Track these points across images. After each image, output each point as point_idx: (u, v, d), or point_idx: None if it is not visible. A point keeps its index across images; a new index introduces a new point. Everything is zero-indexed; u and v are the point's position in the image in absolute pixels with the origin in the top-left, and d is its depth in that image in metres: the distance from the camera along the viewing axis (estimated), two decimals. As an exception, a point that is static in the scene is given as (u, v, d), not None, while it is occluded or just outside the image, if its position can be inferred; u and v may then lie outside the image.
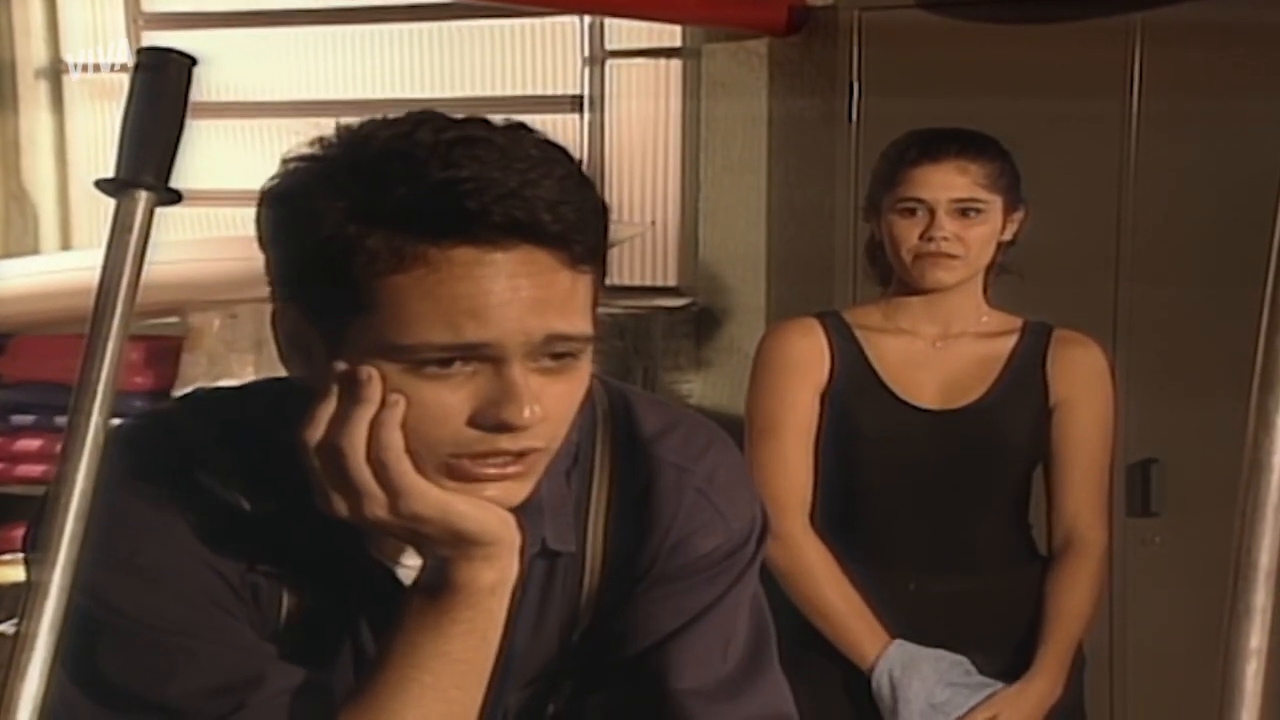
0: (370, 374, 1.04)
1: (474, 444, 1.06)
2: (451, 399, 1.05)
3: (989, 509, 2.36)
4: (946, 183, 2.27)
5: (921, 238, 2.27)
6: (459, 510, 1.07)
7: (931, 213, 2.26)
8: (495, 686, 1.15)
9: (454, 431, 1.05)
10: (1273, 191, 0.84)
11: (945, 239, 2.26)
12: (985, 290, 2.38)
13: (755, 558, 1.26)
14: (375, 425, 1.04)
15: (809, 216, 3.75)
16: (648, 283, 4.11)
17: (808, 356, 2.35)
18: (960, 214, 2.27)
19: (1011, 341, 2.37)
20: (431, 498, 1.06)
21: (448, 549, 1.09)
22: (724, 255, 3.94)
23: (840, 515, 2.37)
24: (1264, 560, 0.76)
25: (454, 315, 1.02)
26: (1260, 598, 0.76)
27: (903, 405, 2.32)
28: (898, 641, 2.29)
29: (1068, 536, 2.37)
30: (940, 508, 2.33)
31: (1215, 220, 3.26)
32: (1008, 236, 2.34)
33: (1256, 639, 0.75)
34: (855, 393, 2.33)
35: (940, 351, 2.36)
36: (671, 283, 4.11)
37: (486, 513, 1.08)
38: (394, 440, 1.04)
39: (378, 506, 1.06)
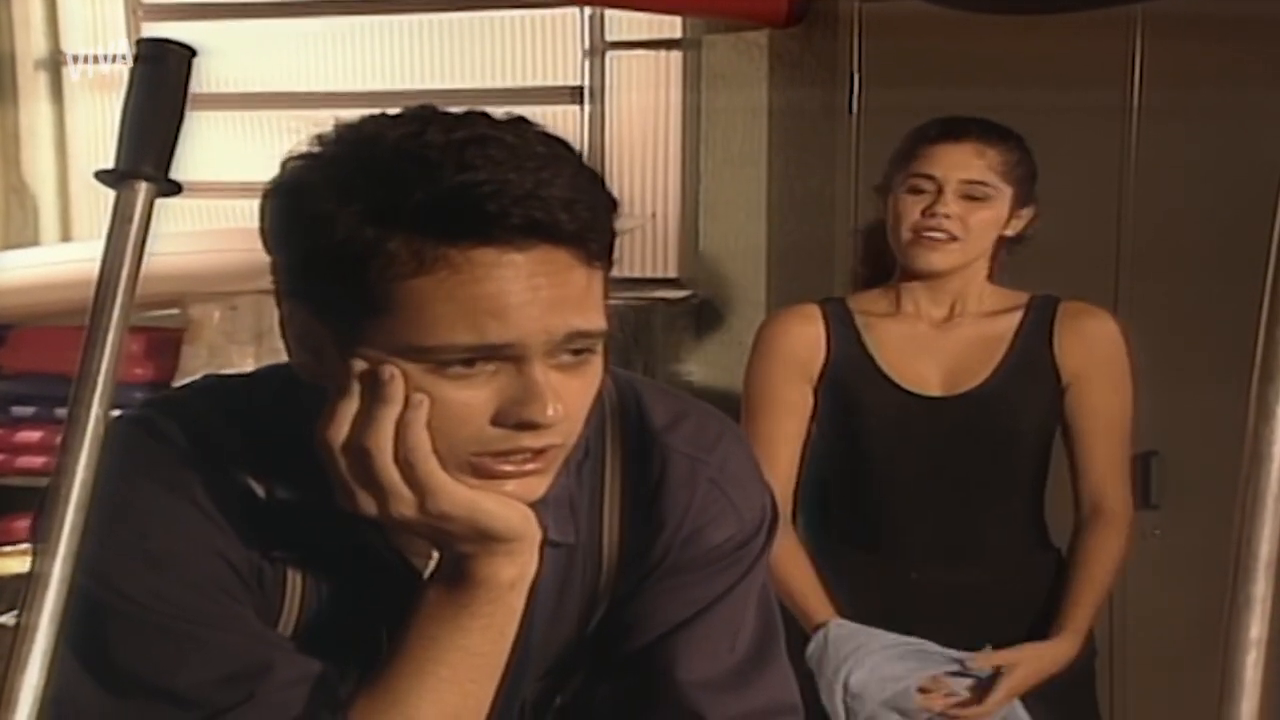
0: (393, 374, 1.04)
1: (497, 442, 1.06)
2: (474, 398, 1.05)
3: (997, 497, 2.35)
4: (961, 162, 2.26)
5: (924, 213, 2.26)
6: (486, 508, 1.08)
7: (940, 191, 2.25)
8: (513, 679, 1.15)
9: (477, 430, 1.06)
10: (1273, 184, 0.84)
11: (947, 216, 2.24)
12: (990, 276, 2.36)
13: (765, 549, 1.27)
14: (401, 425, 1.05)
15: (809, 208, 3.75)
16: (648, 274, 4.11)
17: (800, 344, 2.34)
18: (967, 197, 2.26)
19: (1016, 319, 2.34)
20: (459, 496, 1.07)
21: (471, 545, 1.09)
22: (724, 247, 3.94)
23: (843, 503, 2.37)
24: (1264, 551, 0.76)
25: (476, 316, 1.02)
26: (1260, 588, 0.76)
27: (901, 392, 2.31)
28: (833, 622, 2.27)
29: (1094, 507, 2.35)
30: (944, 496, 2.32)
31: (1215, 212, 3.26)
32: (1011, 231, 2.33)
33: (1257, 629, 0.76)
34: (853, 380, 2.32)
35: (943, 335, 2.33)
36: (672, 274, 4.11)
37: (512, 510, 1.09)
38: (421, 440, 1.05)
39: (405, 506, 1.07)
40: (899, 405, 2.31)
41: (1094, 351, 2.34)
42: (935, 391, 2.32)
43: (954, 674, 2.28)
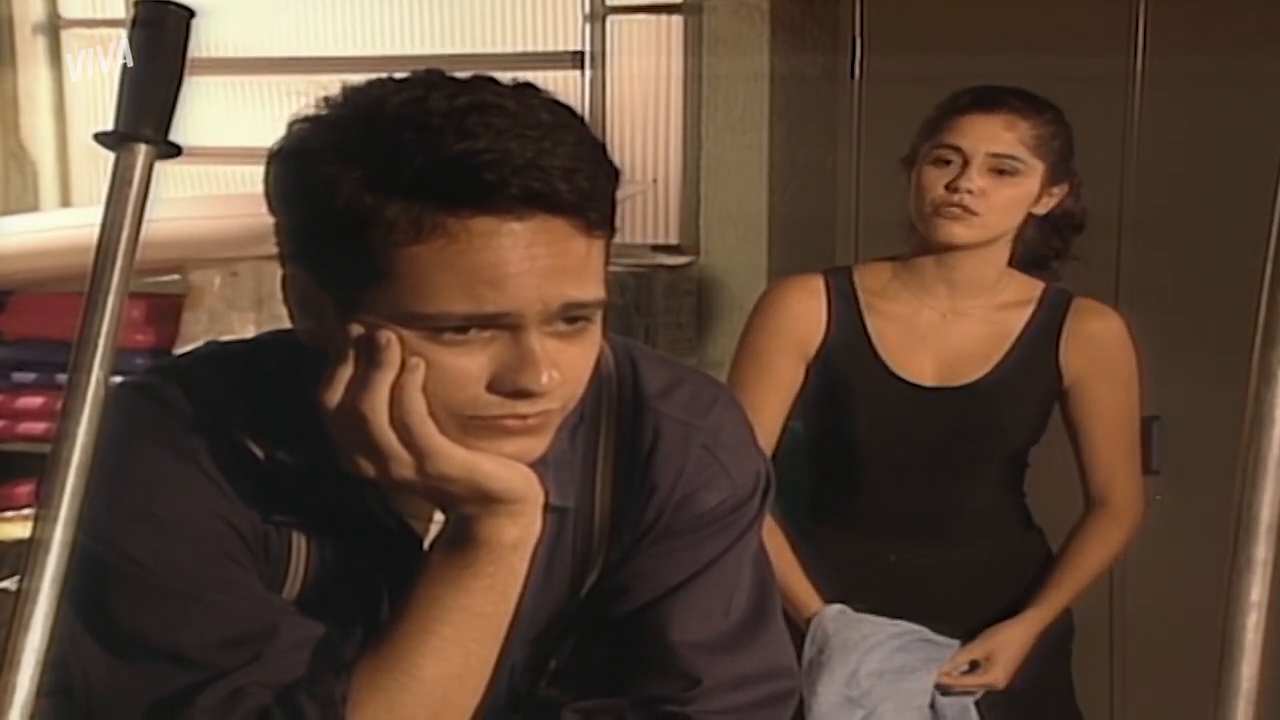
0: (389, 338, 1.05)
1: (493, 408, 1.07)
2: (470, 364, 1.06)
3: (980, 483, 2.30)
4: (990, 134, 2.15)
5: (947, 187, 2.15)
6: (485, 470, 1.08)
7: (965, 163, 2.15)
8: (506, 641, 1.16)
9: (473, 396, 1.06)
10: (1275, 151, 0.84)
11: (970, 191, 2.14)
12: (1011, 259, 2.27)
13: (759, 514, 1.27)
14: (397, 389, 1.05)
15: (811, 174, 3.74)
16: (649, 240, 4.11)
17: (798, 320, 2.27)
18: (995, 172, 2.16)
19: (1026, 315, 2.27)
20: (457, 458, 1.08)
21: (473, 507, 1.10)
22: (726, 213, 3.93)
23: (826, 480, 2.34)
24: (1265, 514, 0.77)
25: (474, 285, 1.03)
26: (1261, 551, 0.76)
27: (895, 380, 2.24)
28: (832, 609, 2.24)
29: (1101, 500, 2.33)
30: (928, 482, 2.27)
31: (1217, 179, 3.25)
32: (1042, 210, 2.23)
33: (1257, 592, 0.76)
34: (848, 362, 2.26)
35: (947, 325, 2.26)
36: (673, 241, 4.11)
37: (512, 471, 1.10)
38: (416, 403, 1.06)
39: (404, 468, 1.08)
40: (891, 393, 2.24)
41: (1100, 355, 2.28)
42: (929, 382, 2.25)
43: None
